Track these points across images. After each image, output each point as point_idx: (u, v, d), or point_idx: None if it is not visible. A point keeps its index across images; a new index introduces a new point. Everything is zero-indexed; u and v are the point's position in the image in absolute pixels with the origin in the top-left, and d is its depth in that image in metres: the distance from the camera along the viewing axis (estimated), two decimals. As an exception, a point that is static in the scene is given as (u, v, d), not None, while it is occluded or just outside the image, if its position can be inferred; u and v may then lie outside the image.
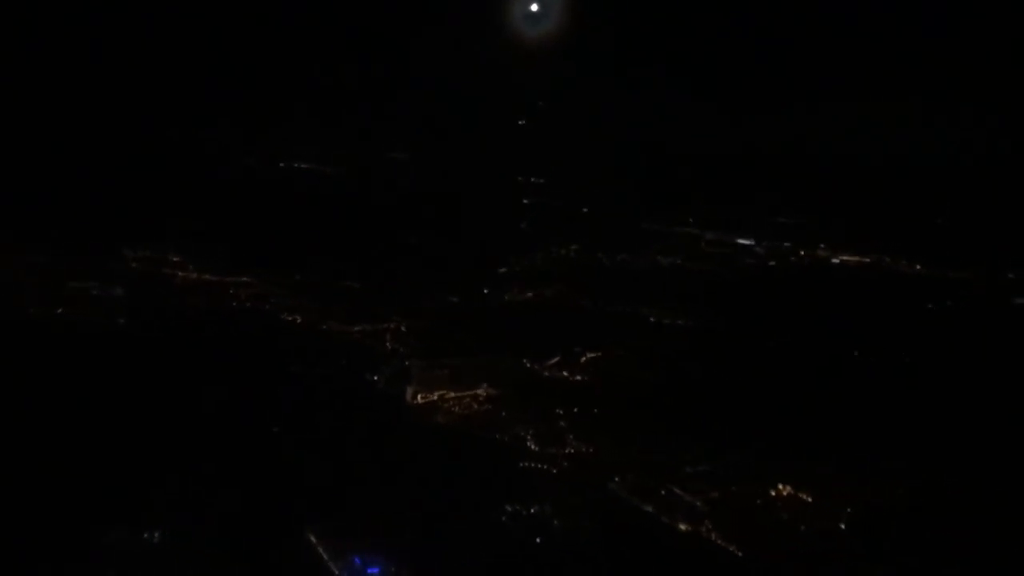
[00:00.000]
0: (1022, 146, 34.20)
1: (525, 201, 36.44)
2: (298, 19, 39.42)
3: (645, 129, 40.95)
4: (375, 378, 16.91)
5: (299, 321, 20.01)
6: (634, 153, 40.98)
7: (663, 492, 13.39)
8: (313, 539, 11.02)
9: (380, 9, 39.46)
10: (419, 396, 16.30)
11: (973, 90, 35.16)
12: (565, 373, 18.20)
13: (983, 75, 34.93)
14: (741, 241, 31.35)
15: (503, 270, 26.35)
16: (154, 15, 36.54)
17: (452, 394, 16.53)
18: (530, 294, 24.15)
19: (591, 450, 14.66)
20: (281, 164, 39.21)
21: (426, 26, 38.96)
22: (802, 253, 30.30)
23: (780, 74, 38.76)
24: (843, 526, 12.82)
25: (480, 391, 16.75)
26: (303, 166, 39.04)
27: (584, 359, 18.94)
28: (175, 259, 24.04)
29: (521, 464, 14.07)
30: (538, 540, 11.82)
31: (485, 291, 24.19)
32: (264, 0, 39.08)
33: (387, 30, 39.92)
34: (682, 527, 12.64)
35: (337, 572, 10.64)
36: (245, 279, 22.67)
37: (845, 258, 29.92)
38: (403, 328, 19.93)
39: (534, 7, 38.14)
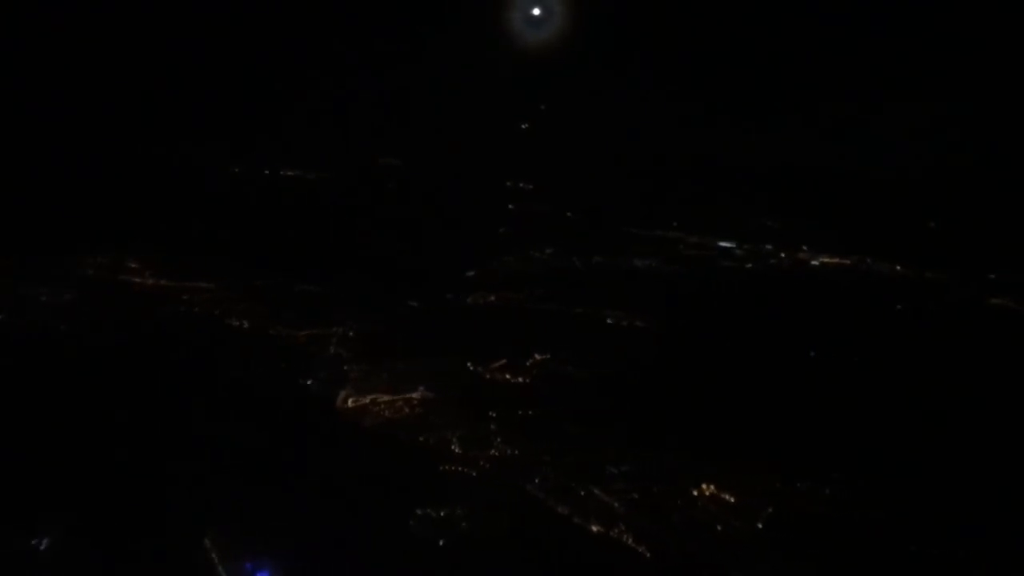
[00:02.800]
0: (1003, 149, 34.17)
1: (510, 207, 36.44)
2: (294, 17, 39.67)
3: (637, 135, 41.10)
4: (308, 382, 16.72)
5: (245, 326, 19.83)
6: (622, 159, 41.03)
7: (582, 493, 13.21)
8: (208, 543, 10.95)
9: (382, 10, 39.78)
10: (351, 400, 16.10)
11: (960, 93, 35.16)
12: (507, 376, 17.96)
13: (965, 79, 34.97)
14: (722, 244, 31.30)
15: (470, 274, 26.19)
16: (120, 16, 36.80)
17: (386, 397, 16.31)
18: (493, 298, 23.95)
19: (516, 452, 14.44)
20: (266, 171, 39.28)
21: (432, 29, 39.28)
22: (782, 255, 30.14)
23: (772, 83, 38.94)
24: (760, 526, 12.62)
25: (415, 394, 16.53)
26: (288, 173, 39.12)
27: (530, 362, 18.71)
28: (132, 265, 24.04)
29: (441, 467, 13.89)
30: (441, 543, 11.68)
31: (448, 295, 24.03)
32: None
33: (387, 31, 40.19)
34: (594, 528, 12.43)
35: (225, 576, 10.55)
36: (202, 285, 22.62)
37: (825, 260, 29.71)
38: (351, 333, 19.76)
39: (536, 11, 38.39)
